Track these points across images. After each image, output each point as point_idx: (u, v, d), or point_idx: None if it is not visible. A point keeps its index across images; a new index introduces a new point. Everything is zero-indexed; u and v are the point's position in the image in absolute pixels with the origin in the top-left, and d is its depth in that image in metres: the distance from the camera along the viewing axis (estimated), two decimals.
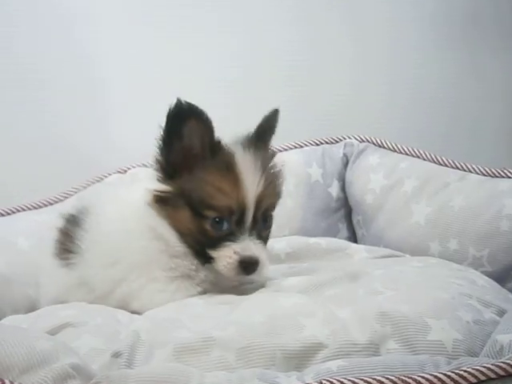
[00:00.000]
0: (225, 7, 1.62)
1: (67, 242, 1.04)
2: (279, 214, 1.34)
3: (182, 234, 0.97)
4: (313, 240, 1.27)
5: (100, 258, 0.99)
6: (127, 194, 1.06)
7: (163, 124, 0.94)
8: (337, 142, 1.46)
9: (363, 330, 0.77)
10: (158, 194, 0.97)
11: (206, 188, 0.95)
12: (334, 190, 1.43)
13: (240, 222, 0.96)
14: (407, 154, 1.37)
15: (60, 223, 1.08)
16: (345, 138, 1.46)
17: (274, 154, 1.06)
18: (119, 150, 1.55)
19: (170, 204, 0.97)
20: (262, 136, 1.02)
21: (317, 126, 1.62)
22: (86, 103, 1.58)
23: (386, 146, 1.41)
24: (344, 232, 1.43)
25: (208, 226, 0.95)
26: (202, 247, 0.96)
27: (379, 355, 0.75)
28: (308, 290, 0.94)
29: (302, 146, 1.46)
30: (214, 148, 0.95)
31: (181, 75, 1.59)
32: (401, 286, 0.89)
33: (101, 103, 1.59)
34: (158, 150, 0.97)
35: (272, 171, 1.02)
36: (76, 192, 1.41)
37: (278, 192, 1.05)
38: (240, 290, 0.98)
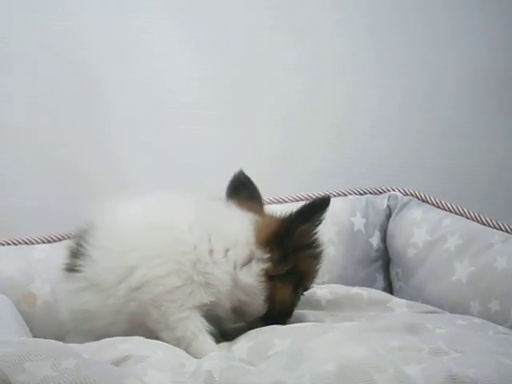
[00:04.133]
0: None
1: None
2: None
3: (276, 303, 1.07)
4: (354, 290, 1.29)
5: None
6: None
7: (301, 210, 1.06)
8: (381, 193, 1.48)
9: None
10: (276, 274, 1.06)
11: (313, 271, 1.12)
12: (375, 240, 1.44)
13: None
14: (450, 211, 1.39)
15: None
16: (389, 190, 1.48)
17: None
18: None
19: (277, 280, 1.06)
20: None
21: (360, 175, 1.63)
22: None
23: (429, 201, 1.42)
24: (381, 283, 1.44)
25: (297, 300, 1.12)
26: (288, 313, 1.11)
27: None
28: (367, 337, 0.95)
29: (345, 195, 1.47)
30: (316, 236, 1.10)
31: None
32: (465, 348, 0.90)
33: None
34: (277, 230, 1.06)
35: None
36: None
37: None
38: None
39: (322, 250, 1.11)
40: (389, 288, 1.44)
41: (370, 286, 1.40)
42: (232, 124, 1.62)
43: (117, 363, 0.85)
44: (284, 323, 1.07)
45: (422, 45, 1.68)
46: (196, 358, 0.95)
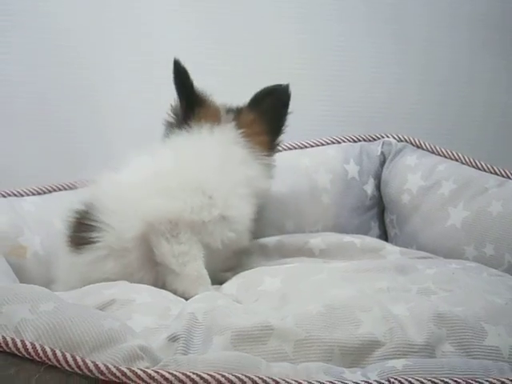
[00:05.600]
0: None
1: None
2: (314, 210, 1.36)
3: None
4: (347, 238, 1.27)
5: None
6: None
7: None
8: (375, 139, 1.46)
9: (420, 330, 0.77)
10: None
11: None
12: (370, 187, 1.42)
13: None
14: (445, 157, 1.37)
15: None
16: (383, 137, 1.46)
17: None
18: None
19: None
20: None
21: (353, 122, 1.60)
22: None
23: (424, 147, 1.40)
24: (376, 230, 1.43)
25: None
26: None
27: (434, 357, 0.75)
28: (355, 278, 0.95)
29: (339, 142, 1.45)
30: None
31: None
32: (453, 287, 0.89)
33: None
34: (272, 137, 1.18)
35: None
36: None
37: None
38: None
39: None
40: (384, 235, 1.43)
41: (365, 233, 1.39)
42: (232, 80, 1.59)
43: (101, 308, 0.85)
44: None
45: None
46: (184, 286, 0.97)
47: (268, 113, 1.15)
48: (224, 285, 1.03)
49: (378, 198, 1.43)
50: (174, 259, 1.00)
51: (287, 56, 1.61)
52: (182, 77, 1.13)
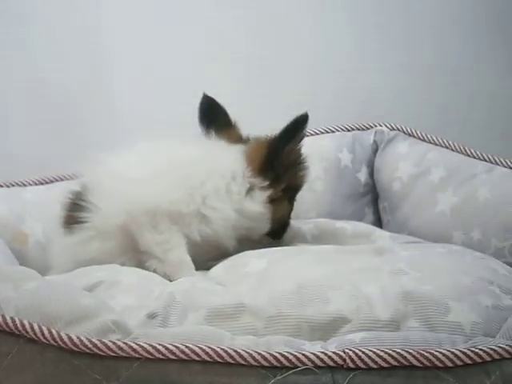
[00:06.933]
0: None
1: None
2: (308, 197, 1.40)
3: (278, 220, 1.18)
4: (339, 224, 1.30)
5: None
6: None
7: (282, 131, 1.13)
8: (367, 128, 1.49)
9: (386, 307, 0.81)
10: (275, 197, 1.15)
11: (303, 182, 1.22)
12: (363, 175, 1.46)
13: None
14: (436, 144, 1.39)
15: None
16: (375, 126, 1.49)
17: None
18: None
19: (276, 201, 1.15)
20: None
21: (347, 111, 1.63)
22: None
23: (415, 135, 1.43)
24: (370, 217, 1.46)
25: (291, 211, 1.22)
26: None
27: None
28: (334, 259, 0.99)
29: (333, 131, 1.49)
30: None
31: None
32: (424, 267, 0.92)
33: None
34: (267, 156, 1.13)
35: None
36: None
37: None
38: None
39: (306, 163, 1.21)
40: (378, 222, 1.46)
41: (359, 220, 1.42)
42: (238, 70, 1.63)
43: (89, 289, 0.90)
44: (283, 234, 1.21)
45: None
46: (169, 271, 1.01)
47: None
48: (212, 269, 1.07)
49: (371, 186, 1.47)
50: (157, 247, 1.04)
51: (281, 47, 1.65)
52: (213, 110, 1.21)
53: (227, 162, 1.13)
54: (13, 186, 1.34)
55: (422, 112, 1.67)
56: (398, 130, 1.46)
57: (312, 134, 1.46)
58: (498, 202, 1.21)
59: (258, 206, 1.13)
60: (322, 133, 1.48)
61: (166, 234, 1.05)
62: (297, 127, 1.13)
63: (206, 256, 1.14)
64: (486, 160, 1.32)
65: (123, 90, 1.60)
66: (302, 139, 1.15)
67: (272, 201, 1.14)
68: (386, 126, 1.47)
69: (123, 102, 1.60)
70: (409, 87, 1.69)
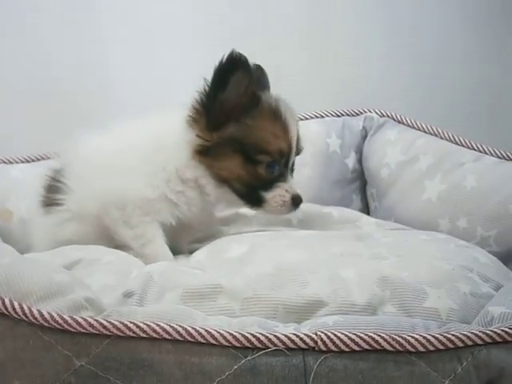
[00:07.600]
0: None
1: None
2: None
3: (231, 181, 1.04)
4: (326, 209, 1.31)
5: None
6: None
7: (210, 75, 1.00)
8: (357, 114, 1.49)
9: (363, 292, 0.81)
10: (202, 145, 1.03)
11: (260, 134, 1.03)
12: (351, 161, 1.45)
13: (286, 163, 1.07)
14: (425, 132, 1.39)
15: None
16: (365, 112, 1.48)
17: None
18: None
19: (214, 154, 1.03)
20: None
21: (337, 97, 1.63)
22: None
23: (405, 121, 1.43)
24: (357, 203, 1.46)
25: (262, 170, 1.05)
26: (254, 191, 1.05)
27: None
28: (315, 244, 0.98)
29: (322, 117, 1.48)
30: (257, 98, 1.03)
31: None
32: (405, 253, 0.92)
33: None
34: (199, 102, 1.03)
35: None
36: None
37: None
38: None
39: (265, 115, 1.04)
40: (366, 209, 1.46)
41: (347, 206, 1.42)
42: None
43: (68, 267, 0.90)
44: (263, 200, 1.07)
45: None
46: (147, 261, 0.98)
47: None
48: (194, 253, 1.06)
49: (359, 172, 1.46)
50: (133, 241, 1.03)
51: (275, 31, 1.64)
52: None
53: (175, 135, 1.05)
54: None
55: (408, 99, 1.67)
56: (388, 116, 1.45)
57: (301, 119, 1.45)
58: (485, 191, 1.21)
59: (191, 170, 1.04)
60: (312, 118, 1.47)
61: (139, 227, 1.03)
62: (226, 69, 0.98)
63: (188, 238, 1.14)
64: (474, 149, 1.31)
65: (120, 79, 1.61)
66: (248, 83, 1.01)
67: (205, 153, 1.03)
68: (375, 112, 1.47)
69: (121, 90, 1.61)
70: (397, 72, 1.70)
